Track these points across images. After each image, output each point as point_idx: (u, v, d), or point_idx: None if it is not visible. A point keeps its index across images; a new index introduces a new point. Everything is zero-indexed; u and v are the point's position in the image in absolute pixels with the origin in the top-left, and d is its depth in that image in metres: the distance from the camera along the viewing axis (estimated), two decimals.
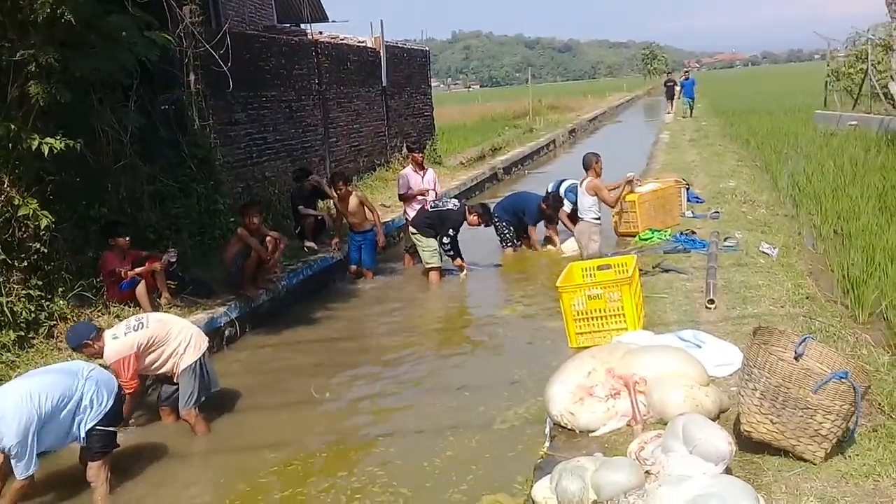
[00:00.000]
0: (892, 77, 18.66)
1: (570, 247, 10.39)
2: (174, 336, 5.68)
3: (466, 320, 8.56)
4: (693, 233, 8.44)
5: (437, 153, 19.26)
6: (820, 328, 5.20)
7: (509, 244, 10.88)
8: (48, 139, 6.55)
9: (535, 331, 7.52)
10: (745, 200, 10.62)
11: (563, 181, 10.89)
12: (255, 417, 6.06)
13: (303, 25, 15.20)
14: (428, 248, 9.70)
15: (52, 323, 6.75)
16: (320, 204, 11.55)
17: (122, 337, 5.42)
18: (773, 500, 3.19)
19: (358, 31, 18.60)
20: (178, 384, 5.74)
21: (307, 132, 13.79)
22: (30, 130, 6.59)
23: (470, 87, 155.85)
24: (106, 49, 6.88)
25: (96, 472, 4.85)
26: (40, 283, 6.74)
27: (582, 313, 5.56)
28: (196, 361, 5.70)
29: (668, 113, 30.67)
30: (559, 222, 10.81)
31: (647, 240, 8.56)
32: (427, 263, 9.79)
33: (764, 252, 7.53)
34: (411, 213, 10.41)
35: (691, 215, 9.66)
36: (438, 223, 9.63)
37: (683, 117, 28.14)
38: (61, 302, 6.88)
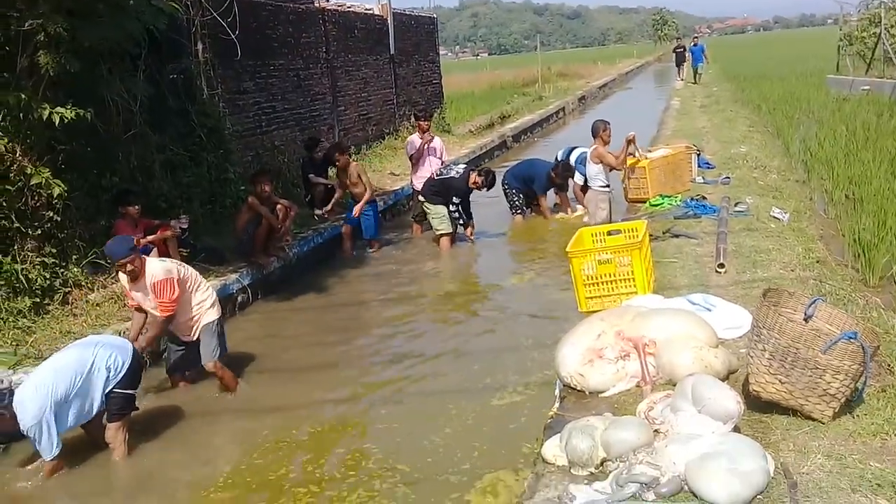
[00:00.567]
0: None
1: (577, 213, 10.42)
2: (203, 288, 5.84)
3: (474, 289, 8.55)
4: (703, 198, 8.41)
5: (446, 121, 19.19)
6: (830, 291, 5.21)
7: (518, 211, 10.88)
8: (59, 109, 6.58)
9: (542, 300, 7.50)
10: (756, 166, 10.57)
11: (573, 148, 10.85)
12: (263, 384, 6.11)
13: None
14: (437, 215, 9.74)
15: (67, 290, 6.84)
16: (330, 172, 11.56)
17: (165, 262, 5.66)
18: (780, 457, 3.23)
19: None
20: (184, 347, 5.88)
21: (315, 101, 13.76)
22: (40, 100, 6.63)
23: (478, 54, 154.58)
24: (113, 18, 6.87)
25: (114, 433, 4.96)
26: (54, 250, 6.82)
27: (592, 278, 5.57)
28: (216, 319, 5.84)
29: (679, 80, 30.32)
30: (569, 191, 10.82)
31: (657, 206, 8.54)
32: (437, 230, 9.83)
33: (775, 217, 7.51)
34: (417, 184, 10.43)
35: (702, 181, 9.62)
36: (444, 190, 9.67)
37: (694, 82, 27.80)
38: (75, 269, 6.97)
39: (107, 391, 4.86)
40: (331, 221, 10.22)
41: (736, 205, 8.00)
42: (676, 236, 7.13)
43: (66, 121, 6.60)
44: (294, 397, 5.84)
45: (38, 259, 6.66)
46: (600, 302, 5.49)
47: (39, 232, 6.76)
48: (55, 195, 6.71)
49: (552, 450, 3.56)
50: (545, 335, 6.19)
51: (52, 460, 4.70)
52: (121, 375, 4.90)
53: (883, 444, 3.27)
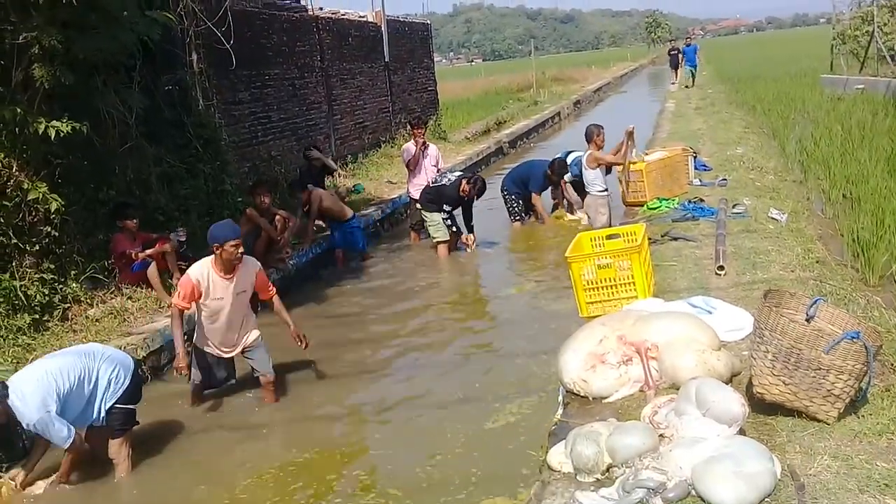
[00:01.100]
0: None
1: (578, 216, 10.44)
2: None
3: (472, 301, 8.37)
4: (701, 200, 8.42)
5: (442, 128, 19.21)
6: (831, 291, 5.21)
7: (517, 218, 10.88)
8: (54, 122, 6.58)
9: (541, 312, 7.38)
10: (752, 167, 10.57)
11: (570, 152, 10.88)
12: (258, 400, 6.05)
13: (303, 1, 15.08)
14: (433, 222, 9.77)
15: (66, 306, 6.81)
16: (328, 182, 11.56)
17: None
18: (787, 459, 3.21)
19: (358, 6, 18.45)
20: (208, 368, 5.86)
21: (311, 110, 13.77)
22: (35, 114, 6.62)
23: (472, 60, 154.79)
24: (107, 29, 6.88)
25: (118, 449, 4.93)
26: (53, 266, 6.80)
27: (592, 283, 5.56)
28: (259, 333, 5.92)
29: (673, 83, 30.28)
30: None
31: (655, 209, 8.54)
32: (433, 238, 9.85)
33: (773, 218, 7.51)
34: (413, 191, 10.44)
35: (699, 183, 9.62)
36: (437, 198, 9.69)
37: (687, 87, 27.75)
38: (74, 285, 6.95)
39: (108, 406, 4.83)
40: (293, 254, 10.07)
41: (734, 206, 8.01)
42: (675, 239, 7.13)
43: (62, 134, 6.59)
44: (287, 416, 5.75)
45: (36, 275, 6.63)
46: (601, 307, 5.48)
47: (37, 248, 6.74)
48: (52, 210, 6.69)
49: (557, 457, 3.54)
50: (544, 349, 6.03)
51: (70, 448, 4.64)
52: (121, 391, 4.87)
53: (889, 443, 3.26)
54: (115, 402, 4.86)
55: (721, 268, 5.94)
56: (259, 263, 5.74)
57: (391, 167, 14.94)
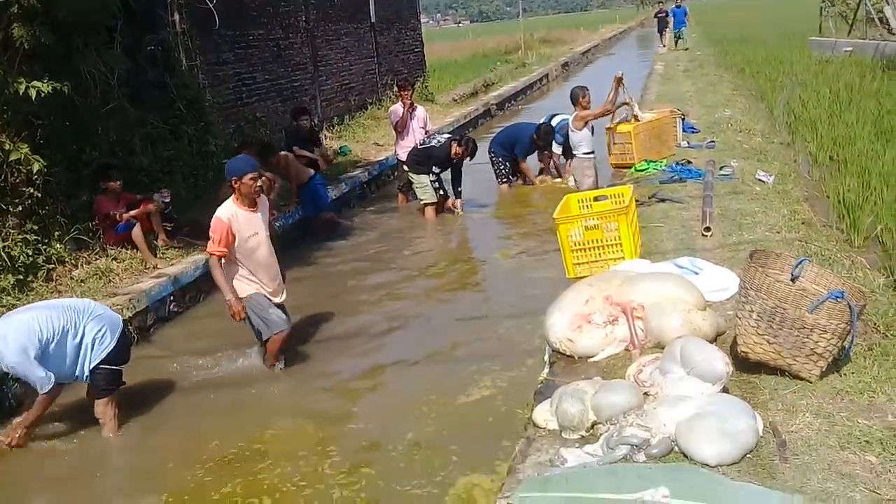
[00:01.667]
0: (886, 1, 18.40)
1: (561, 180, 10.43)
2: None
3: (458, 266, 8.18)
4: (689, 162, 8.41)
5: (429, 90, 19.04)
6: (816, 252, 5.24)
7: (504, 180, 10.85)
8: (35, 83, 6.49)
9: (525, 279, 7.26)
10: (740, 129, 10.57)
11: (554, 115, 10.82)
12: (240, 367, 5.98)
13: None
14: (420, 184, 9.73)
15: (51, 266, 6.77)
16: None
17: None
18: (769, 416, 3.25)
19: None
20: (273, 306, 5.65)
21: (296, 71, 13.58)
22: (16, 74, 6.53)
23: (460, 22, 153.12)
24: None
25: (103, 409, 4.95)
26: (36, 227, 6.75)
27: (579, 244, 5.56)
28: None
29: (661, 47, 29.88)
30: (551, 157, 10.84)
31: (643, 171, 8.53)
32: (421, 200, 9.82)
33: (760, 180, 7.53)
34: (401, 154, 10.36)
35: (687, 145, 9.61)
36: (425, 160, 9.62)
37: (676, 49, 27.43)
38: (58, 245, 6.90)
39: (92, 366, 4.82)
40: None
41: (721, 168, 8.01)
42: (662, 201, 7.14)
43: (43, 95, 6.50)
44: (259, 394, 5.55)
45: (19, 236, 6.58)
46: (588, 268, 5.49)
47: (20, 209, 6.69)
48: (35, 171, 6.62)
49: (543, 414, 3.58)
50: (528, 315, 6.00)
51: (47, 393, 4.65)
52: (105, 352, 4.86)
53: (870, 401, 3.30)
54: (100, 363, 4.85)
55: (707, 229, 5.96)
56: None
57: (378, 129, 14.83)
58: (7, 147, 6.55)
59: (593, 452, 3.21)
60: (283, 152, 9.66)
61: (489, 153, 10.87)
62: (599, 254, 5.52)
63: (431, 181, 9.60)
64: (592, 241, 5.53)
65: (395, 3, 18.95)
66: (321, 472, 4.43)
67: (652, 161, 8.74)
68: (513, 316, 6.32)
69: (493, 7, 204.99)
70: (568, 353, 4.23)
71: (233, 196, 5.40)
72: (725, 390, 3.41)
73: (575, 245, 5.57)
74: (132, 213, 7.33)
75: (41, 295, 6.37)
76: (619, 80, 8.66)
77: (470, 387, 5.23)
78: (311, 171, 9.72)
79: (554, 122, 10.57)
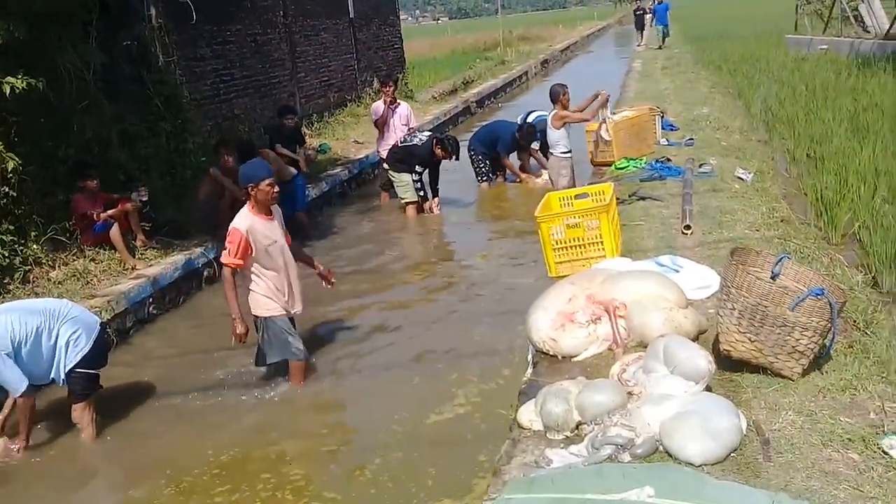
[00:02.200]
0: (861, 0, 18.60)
1: (544, 178, 10.43)
2: None
3: (437, 269, 7.92)
4: (668, 160, 8.46)
5: (409, 87, 18.97)
6: (795, 249, 5.27)
7: (484, 178, 10.83)
8: (9, 78, 6.41)
9: (506, 281, 7.15)
10: (718, 127, 10.64)
11: (530, 112, 10.83)
12: (228, 359, 5.93)
13: None
14: (401, 183, 9.68)
15: (27, 268, 6.67)
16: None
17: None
18: (752, 415, 3.27)
19: None
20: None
21: (274, 67, 13.47)
22: None
23: (438, 19, 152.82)
24: None
25: (80, 413, 4.87)
26: (12, 227, 6.64)
27: (561, 242, 5.57)
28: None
29: (639, 45, 29.87)
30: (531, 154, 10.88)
31: (622, 168, 8.56)
32: (402, 199, 9.78)
33: (738, 177, 7.58)
34: (383, 151, 10.29)
35: (666, 143, 9.66)
36: (407, 158, 9.55)
37: (659, 48, 27.35)
38: (35, 246, 6.80)
39: (68, 369, 4.75)
40: None
41: (700, 166, 8.06)
42: (643, 199, 7.16)
43: (17, 91, 6.40)
44: (230, 404, 5.33)
45: None
46: (570, 266, 5.50)
47: None
48: (9, 169, 6.51)
49: (527, 415, 3.57)
50: (505, 320, 5.91)
51: (23, 396, 4.60)
52: (80, 355, 4.77)
53: (852, 399, 3.33)
54: (75, 366, 4.76)
55: (688, 227, 5.99)
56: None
57: (358, 126, 14.76)
58: None
59: (578, 453, 3.21)
60: (265, 150, 9.56)
61: (469, 151, 10.84)
62: (581, 252, 5.54)
63: (414, 180, 9.54)
64: (574, 240, 5.54)
65: None
66: (282, 498, 4.20)
67: (632, 159, 8.77)
68: (493, 318, 6.27)
69: (472, 4, 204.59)
70: (551, 353, 4.23)
71: (247, 204, 5.16)
72: (709, 389, 3.43)
73: (556, 243, 5.58)
74: (110, 212, 7.23)
75: (18, 297, 6.24)
76: (597, 97, 8.61)
77: (445, 401, 5.02)
78: (294, 171, 9.62)
79: (530, 119, 10.60)
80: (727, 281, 3.70)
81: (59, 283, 6.62)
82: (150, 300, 6.88)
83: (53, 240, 6.99)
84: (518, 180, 10.81)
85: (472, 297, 6.93)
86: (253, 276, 5.21)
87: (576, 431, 3.38)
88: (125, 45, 8.97)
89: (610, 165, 8.87)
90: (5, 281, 6.42)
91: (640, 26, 30.54)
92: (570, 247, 5.56)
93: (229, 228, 5.11)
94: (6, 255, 6.49)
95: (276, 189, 5.16)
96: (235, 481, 4.39)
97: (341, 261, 8.35)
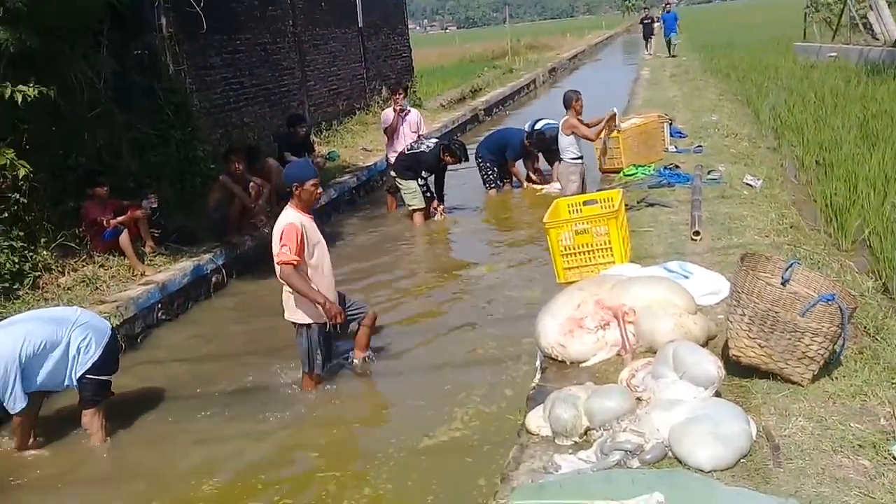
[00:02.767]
0: (870, 7, 18.55)
1: (550, 187, 10.43)
2: None
3: (441, 281, 7.78)
4: (677, 167, 8.44)
5: (417, 95, 19.03)
6: (805, 256, 5.26)
7: (492, 185, 10.83)
8: (21, 87, 6.45)
9: (513, 292, 7.04)
10: (727, 134, 10.61)
11: (538, 120, 10.85)
12: (236, 367, 5.97)
13: None
14: (408, 190, 9.70)
15: (37, 274, 6.71)
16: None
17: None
18: (762, 420, 3.25)
19: None
20: (328, 338, 5.46)
21: (284, 76, 13.54)
22: (1, 78, 6.46)
23: (446, 28, 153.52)
24: None
25: (90, 419, 4.89)
26: (22, 234, 6.69)
27: (569, 248, 5.57)
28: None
29: (648, 54, 29.75)
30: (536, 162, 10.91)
31: (631, 175, 8.55)
32: (409, 206, 9.79)
33: (747, 184, 7.56)
34: (392, 158, 10.32)
35: (674, 150, 9.64)
36: (414, 165, 9.59)
37: (672, 56, 27.12)
38: (45, 252, 6.85)
39: (78, 375, 4.77)
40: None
41: (709, 173, 8.04)
42: (651, 205, 7.15)
43: (28, 99, 6.46)
44: (234, 415, 5.30)
45: (5, 243, 6.51)
46: (578, 272, 5.49)
47: (6, 215, 6.63)
48: (21, 176, 6.56)
49: (536, 420, 3.56)
50: (514, 334, 5.86)
51: (18, 415, 4.66)
52: (91, 361, 4.79)
53: (862, 405, 3.30)
54: (86, 372, 4.78)
55: (697, 233, 5.97)
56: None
57: (366, 134, 14.80)
58: None
59: (587, 458, 3.20)
60: (268, 159, 9.59)
61: (476, 158, 10.86)
62: (590, 258, 5.53)
63: (420, 186, 9.58)
64: (582, 246, 5.53)
65: (382, 8, 18.95)
66: None
67: (640, 166, 8.76)
68: (500, 324, 6.28)
69: (480, 13, 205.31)
70: (560, 359, 4.22)
71: (291, 203, 5.18)
72: (718, 394, 3.41)
73: (565, 249, 5.58)
74: (119, 219, 7.28)
75: (28, 303, 6.31)
76: (611, 118, 8.61)
77: (454, 408, 4.99)
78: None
79: (538, 126, 10.61)
80: (737, 286, 3.68)
81: (69, 288, 6.66)
82: (159, 306, 6.91)
83: (63, 246, 7.04)
84: (524, 188, 10.82)
85: (479, 304, 6.91)
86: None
87: (584, 437, 3.36)
88: (136, 54, 9.03)
89: (618, 172, 8.86)
90: (15, 286, 6.46)
91: (647, 35, 30.47)
92: (579, 253, 5.55)
93: (282, 227, 5.06)
94: (16, 261, 6.53)
95: (321, 190, 5.27)
96: (239, 491, 4.38)
97: (350, 268, 8.36)
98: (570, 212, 5.99)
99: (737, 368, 3.67)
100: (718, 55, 23.64)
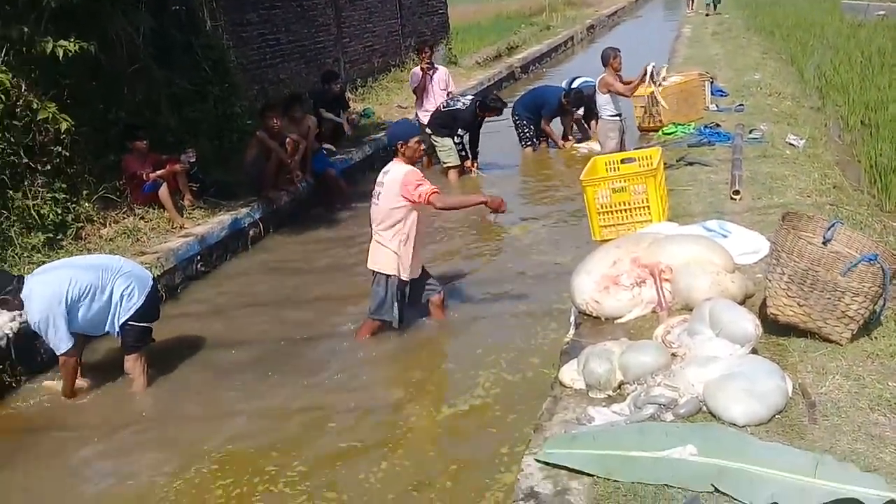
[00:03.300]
0: None
1: (585, 146, 10.33)
2: None
3: (472, 242, 7.67)
4: (717, 126, 8.30)
5: (453, 53, 18.82)
6: (847, 216, 5.17)
7: (528, 143, 10.74)
8: (62, 42, 6.50)
9: (548, 250, 6.92)
10: (770, 93, 10.38)
11: (576, 78, 10.70)
12: (272, 320, 6.05)
13: None
14: (444, 147, 9.66)
15: (80, 225, 6.85)
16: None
17: None
18: (799, 378, 3.24)
19: None
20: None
21: (320, 32, 13.48)
22: (43, 33, 6.52)
23: None
24: None
25: (132, 364, 5.03)
26: (64, 186, 6.79)
27: (606, 206, 5.52)
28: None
29: (689, 11, 28.92)
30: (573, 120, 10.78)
31: (670, 134, 8.42)
32: (444, 163, 9.76)
33: (790, 144, 7.42)
34: (422, 116, 10.24)
35: (715, 109, 9.47)
36: (450, 122, 9.54)
37: (707, 15, 26.40)
38: (86, 204, 6.98)
39: (121, 322, 4.90)
40: (340, 155, 10.11)
41: (750, 132, 7.90)
42: (690, 164, 7.06)
43: (69, 54, 6.51)
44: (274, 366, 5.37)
45: (49, 195, 6.63)
46: (614, 230, 5.46)
47: (49, 167, 6.73)
48: (62, 130, 6.65)
49: (569, 374, 3.59)
50: (548, 292, 5.83)
51: (64, 355, 4.79)
52: (134, 308, 4.92)
53: None
54: (128, 319, 4.92)
55: (737, 192, 5.90)
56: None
57: (401, 91, 14.71)
58: (35, 106, 6.57)
59: (620, 411, 3.23)
60: (309, 116, 9.60)
61: (513, 116, 10.76)
62: (626, 216, 5.49)
63: (455, 143, 9.54)
64: (619, 204, 5.49)
65: None
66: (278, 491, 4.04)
67: (680, 124, 8.62)
68: (534, 281, 6.27)
69: None
70: (594, 315, 4.23)
71: (396, 160, 5.30)
72: (754, 352, 3.40)
73: (601, 207, 5.54)
74: (159, 172, 7.37)
75: (70, 253, 6.43)
76: (648, 73, 8.37)
77: (488, 361, 5.02)
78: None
79: (576, 84, 10.49)
80: (777, 245, 3.64)
81: (111, 239, 6.80)
82: (198, 258, 7.03)
83: (104, 198, 7.16)
84: (561, 147, 10.71)
85: (513, 261, 6.90)
86: (389, 231, 5.28)
87: (618, 391, 3.39)
88: (174, 10, 9.04)
89: (657, 131, 8.74)
90: (59, 237, 6.60)
91: None
92: (616, 211, 5.51)
93: (402, 174, 5.15)
94: (59, 212, 6.66)
95: (424, 147, 5.43)
96: (275, 441, 4.44)
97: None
98: (607, 170, 5.94)
99: (774, 327, 3.65)
100: (762, 12, 23.02)
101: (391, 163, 5.34)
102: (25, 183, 6.57)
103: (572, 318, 4.47)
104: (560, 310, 5.36)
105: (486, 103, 9.52)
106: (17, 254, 6.18)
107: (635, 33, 27.99)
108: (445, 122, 9.58)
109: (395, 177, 5.20)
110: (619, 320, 4.16)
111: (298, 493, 3.96)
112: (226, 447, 4.44)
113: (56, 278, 4.72)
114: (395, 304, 5.38)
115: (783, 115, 9.00)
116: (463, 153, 9.65)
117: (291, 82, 12.06)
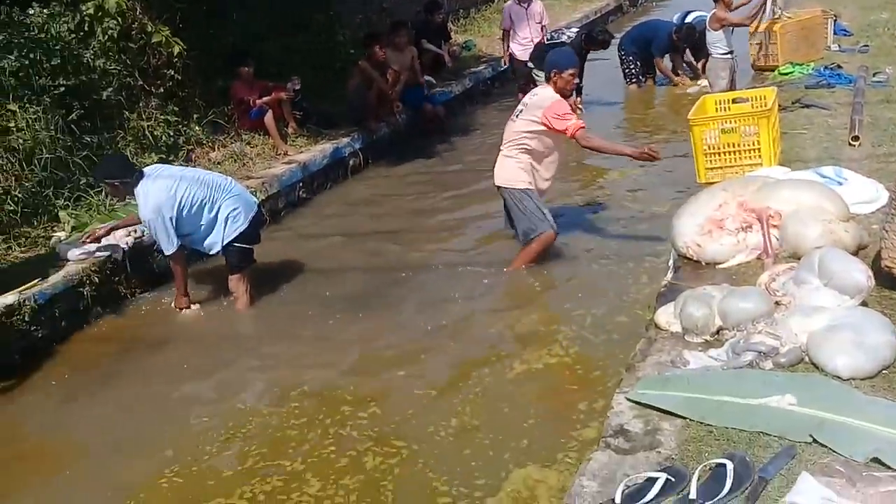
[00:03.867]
0: None
1: (695, 86, 9.92)
2: None
3: (577, 172, 7.39)
4: (839, 67, 7.81)
5: None
6: None
7: (633, 80, 10.40)
8: None
9: (649, 192, 6.69)
10: None
11: (689, 12, 10.20)
12: (369, 251, 6.16)
13: None
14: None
15: (190, 147, 7.14)
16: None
17: None
18: None
19: None
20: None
21: None
22: None
23: None
24: None
25: (235, 284, 5.25)
26: (176, 109, 7.08)
27: (713, 147, 5.32)
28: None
29: None
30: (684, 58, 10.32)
31: (787, 74, 7.99)
32: None
33: None
34: (516, 49, 9.94)
35: (837, 49, 8.90)
36: None
37: None
38: (196, 128, 7.25)
39: (225, 242, 5.10)
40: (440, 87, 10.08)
41: (874, 75, 7.41)
42: (807, 106, 6.69)
43: None
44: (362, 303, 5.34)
45: (161, 117, 6.92)
46: (721, 173, 5.26)
47: (162, 90, 7.01)
48: (175, 54, 6.87)
49: (665, 317, 3.52)
50: (646, 234, 5.66)
51: (173, 260, 5.03)
52: (239, 230, 5.11)
53: None
54: (233, 241, 5.11)
55: (856, 138, 5.57)
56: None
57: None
58: (149, 29, 6.81)
59: (717, 357, 3.16)
60: (412, 47, 9.54)
61: (619, 51, 10.40)
62: (735, 159, 5.28)
63: None
64: (728, 146, 5.28)
65: None
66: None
67: (798, 64, 8.16)
68: (632, 224, 6.12)
69: None
70: (695, 258, 4.12)
71: (543, 86, 5.34)
72: (864, 304, 3.26)
73: (709, 148, 5.34)
74: (265, 99, 7.54)
75: None
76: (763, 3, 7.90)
77: (583, 299, 4.94)
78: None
79: (689, 20, 10.01)
80: None
81: (219, 163, 7.05)
82: (301, 184, 7.21)
83: (213, 123, 7.41)
84: (672, 83, 10.31)
85: (611, 202, 6.72)
86: (521, 150, 5.30)
87: (716, 336, 3.31)
88: None
89: (773, 71, 8.30)
90: (171, 158, 6.86)
91: None
92: (724, 153, 5.30)
93: (549, 101, 5.14)
94: (171, 134, 6.95)
95: (577, 80, 5.40)
96: (349, 382, 4.39)
97: (476, 158, 8.32)
98: (717, 109, 5.71)
99: (888, 280, 3.47)
100: None
101: (540, 87, 5.30)
102: (140, 105, 6.84)
103: (671, 262, 4.37)
104: (653, 262, 5.21)
105: (593, 36, 9.15)
106: None
107: None
108: None
109: (541, 102, 5.16)
110: (720, 265, 4.04)
111: (365, 437, 3.87)
112: (307, 382, 4.41)
113: (172, 184, 4.91)
114: (543, 211, 5.31)
115: None
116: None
117: (395, 11, 11.99)
